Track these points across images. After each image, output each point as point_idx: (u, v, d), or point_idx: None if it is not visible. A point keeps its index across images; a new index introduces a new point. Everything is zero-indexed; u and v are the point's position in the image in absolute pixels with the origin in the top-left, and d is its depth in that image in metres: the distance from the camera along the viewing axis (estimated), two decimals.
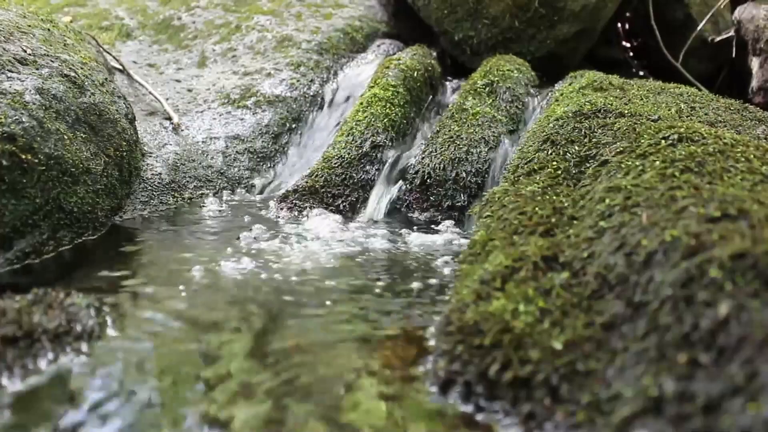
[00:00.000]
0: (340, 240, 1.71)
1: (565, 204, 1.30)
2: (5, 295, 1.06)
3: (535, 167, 1.59)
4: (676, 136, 1.30)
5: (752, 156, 1.19)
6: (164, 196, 2.02)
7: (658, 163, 1.20)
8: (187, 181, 2.12)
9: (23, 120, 1.48)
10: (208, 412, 0.85)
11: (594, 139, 1.60)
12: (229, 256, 1.51)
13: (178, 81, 2.65)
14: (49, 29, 1.91)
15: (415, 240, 1.75)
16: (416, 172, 2.04)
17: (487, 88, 2.35)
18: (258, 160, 2.34)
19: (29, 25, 1.85)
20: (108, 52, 2.45)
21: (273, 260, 1.50)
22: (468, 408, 0.88)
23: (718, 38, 3.21)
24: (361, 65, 2.75)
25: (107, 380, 0.92)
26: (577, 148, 1.60)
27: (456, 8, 2.88)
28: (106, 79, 1.94)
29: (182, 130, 2.31)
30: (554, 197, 1.36)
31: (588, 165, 1.48)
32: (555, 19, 2.80)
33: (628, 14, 3.40)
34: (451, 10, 2.89)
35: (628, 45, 3.52)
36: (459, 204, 1.99)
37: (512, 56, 2.66)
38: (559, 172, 1.51)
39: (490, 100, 2.30)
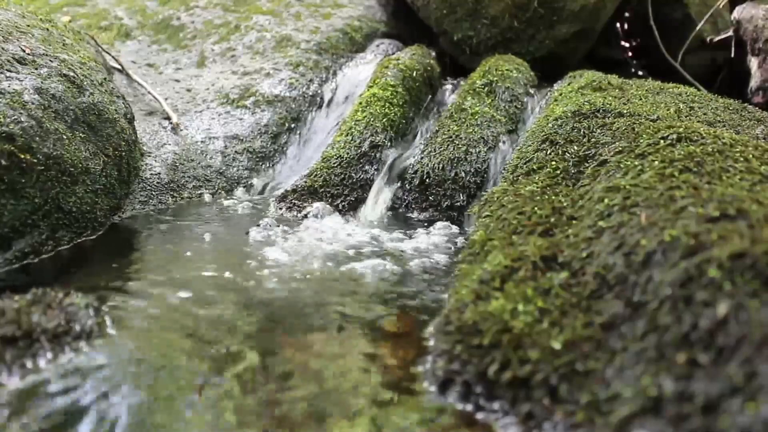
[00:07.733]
0: (338, 240, 1.71)
1: (564, 204, 1.30)
2: (4, 295, 1.06)
3: (534, 167, 1.59)
4: (675, 136, 1.30)
5: (751, 156, 1.19)
6: (163, 196, 2.02)
7: (657, 163, 1.20)
8: (186, 181, 2.12)
9: (22, 120, 1.47)
10: (207, 410, 0.85)
11: (593, 139, 1.61)
12: (227, 255, 1.51)
13: (177, 81, 2.65)
14: (48, 29, 1.91)
15: (414, 240, 1.75)
16: (415, 172, 2.04)
17: (486, 88, 2.35)
18: (257, 159, 2.33)
19: (28, 25, 1.85)
20: (107, 52, 2.45)
21: (271, 259, 1.50)
22: (467, 408, 0.89)
23: (717, 38, 3.21)
24: (360, 65, 2.75)
25: (106, 380, 0.91)
26: (576, 147, 1.60)
27: (455, 8, 2.88)
28: (105, 78, 1.94)
29: (181, 130, 2.31)
30: (553, 197, 1.36)
31: (587, 165, 1.48)
32: (554, 19, 2.80)
33: (627, 14, 3.40)
34: (450, 10, 2.89)
35: (628, 45, 3.52)
36: (458, 204, 1.99)
37: (511, 56, 2.66)
38: (558, 172, 1.51)
39: (489, 100, 2.30)
